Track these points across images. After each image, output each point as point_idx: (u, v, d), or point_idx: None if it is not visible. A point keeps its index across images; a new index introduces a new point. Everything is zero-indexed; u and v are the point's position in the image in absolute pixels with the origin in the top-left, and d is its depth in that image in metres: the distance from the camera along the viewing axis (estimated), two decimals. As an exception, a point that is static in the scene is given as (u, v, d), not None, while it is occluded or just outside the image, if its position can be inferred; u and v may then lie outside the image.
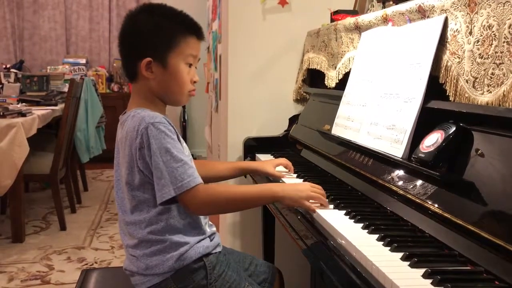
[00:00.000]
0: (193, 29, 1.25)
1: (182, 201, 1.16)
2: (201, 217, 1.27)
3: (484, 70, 1.02)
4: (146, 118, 1.16)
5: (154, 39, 1.21)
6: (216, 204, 1.21)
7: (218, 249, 1.28)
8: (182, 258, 1.19)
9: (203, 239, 1.24)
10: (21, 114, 3.02)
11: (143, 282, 1.21)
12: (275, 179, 1.59)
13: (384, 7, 1.73)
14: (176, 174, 1.13)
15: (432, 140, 1.08)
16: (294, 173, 1.63)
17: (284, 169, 1.63)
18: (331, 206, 1.24)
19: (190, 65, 1.25)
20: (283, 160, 1.65)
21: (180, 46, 1.22)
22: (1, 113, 2.91)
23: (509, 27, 0.95)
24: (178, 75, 1.23)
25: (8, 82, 4.20)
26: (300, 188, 1.26)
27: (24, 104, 3.45)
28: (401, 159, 1.19)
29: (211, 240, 1.27)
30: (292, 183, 1.40)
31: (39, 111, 3.22)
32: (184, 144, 1.25)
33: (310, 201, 1.23)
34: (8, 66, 4.65)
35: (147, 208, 1.19)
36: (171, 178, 1.13)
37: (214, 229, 1.32)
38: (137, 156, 1.16)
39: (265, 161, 1.67)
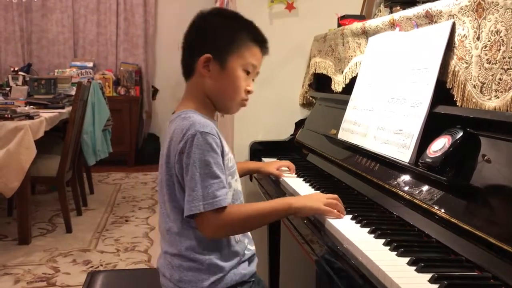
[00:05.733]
0: (258, 40, 1.23)
1: (202, 219, 1.11)
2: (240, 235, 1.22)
3: (492, 75, 1.02)
4: (197, 124, 1.12)
5: (217, 37, 1.18)
6: (234, 227, 1.15)
7: (253, 278, 1.23)
8: (216, 282, 1.15)
9: (241, 263, 1.20)
10: (29, 116, 3.04)
11: None
12: (276, 178, 1.68)
13: (391, 12, 1.73)
14: (209, 190, 1.09)
15: (439, 145, 1.08)
16: (300, 177, 1.63)
17: (286, 169, 1.70)
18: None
19: (248, 73, 1.22)
20: (287, 162, 1.72)
21: (242, 51, 1.19)
22: (9, 116, 2.93)
23: (517, 33, 0.95)
24: (234, 79, 1.19)
25: (16, 85, 4.22)
26: (315, 197, 1.24)
27: (31, 106, 3.47)
28: (408, 164, 1.19)
29: (249, 264, 1.22)
30: (306, 195, 1.36)
31: (46, 114, 3.23)
32: (230, 155, 1.21)
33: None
34: (16, 69, 4.67)
35: (181, 216, 1.14)
36: (203, 193, 1.09)
37: (253, 248, 1.27)
38: (176, 159, 1.12)
39: (269, 162, 1.78)
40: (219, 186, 1.10)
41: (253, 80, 1.25)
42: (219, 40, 1.18)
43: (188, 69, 1.22)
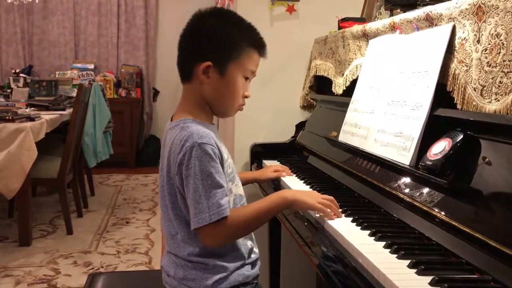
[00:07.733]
0: (258, 45, 1.22)
1: (207, 230, 1.10)
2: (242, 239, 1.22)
3: (492, 78, 1.02)
4: (195, 135, 1.11)
5: (219, 45, 1.17)
6: (236, 233, 1.16)
7: (256, 280, 1.24)
8: (220, 281, 1.16)
9: (243, 265, 1.20)
10: (30, 118, 3.04)
11: None
12: (277, 179, 1.69)
13: (391, 15, 1.73)
14: (214, 200, 1.09)
15: (440, 147, 1.08)
16: (301, 179, 1.64)
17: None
18: (338, 212, 1.24)
19: (246, 79, 1.22)
20: (280, 166, 1.76)
21: (242, 58, 1.19)
22: (10, 118, 2.94)
23: (517, 36, 0.95)
24: (233, 86, 1.20)
25: (17, 86, 4.23)
26: (310, 193, 1.26)
27: (32, 108, 3.48)
28: (408, 167, 1.19)
29: (252, 267, 1.23)
30: (301, 190, 1.37)
31: (47, 116, 3.24)
32: (230, 160, 1.21)
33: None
34: (17, 70, 4.68)
35: (184, 224, 1.15)
36: (208, 204, 1.09)
37: (257, 251, 1.28)
38: (175, 170, 1.12)
39: (264, 169, 1.81)
40: (222, 194, 1.11)
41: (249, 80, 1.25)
42: (220, 48, 1.17)
43: (185, 72, 1.21)
